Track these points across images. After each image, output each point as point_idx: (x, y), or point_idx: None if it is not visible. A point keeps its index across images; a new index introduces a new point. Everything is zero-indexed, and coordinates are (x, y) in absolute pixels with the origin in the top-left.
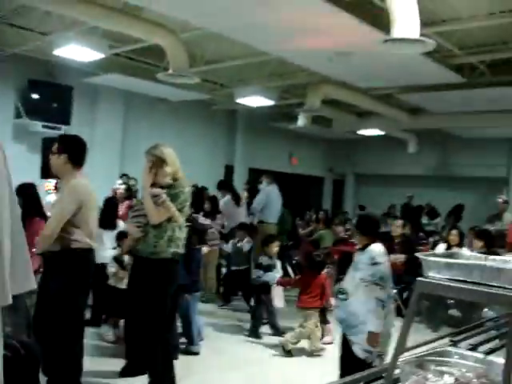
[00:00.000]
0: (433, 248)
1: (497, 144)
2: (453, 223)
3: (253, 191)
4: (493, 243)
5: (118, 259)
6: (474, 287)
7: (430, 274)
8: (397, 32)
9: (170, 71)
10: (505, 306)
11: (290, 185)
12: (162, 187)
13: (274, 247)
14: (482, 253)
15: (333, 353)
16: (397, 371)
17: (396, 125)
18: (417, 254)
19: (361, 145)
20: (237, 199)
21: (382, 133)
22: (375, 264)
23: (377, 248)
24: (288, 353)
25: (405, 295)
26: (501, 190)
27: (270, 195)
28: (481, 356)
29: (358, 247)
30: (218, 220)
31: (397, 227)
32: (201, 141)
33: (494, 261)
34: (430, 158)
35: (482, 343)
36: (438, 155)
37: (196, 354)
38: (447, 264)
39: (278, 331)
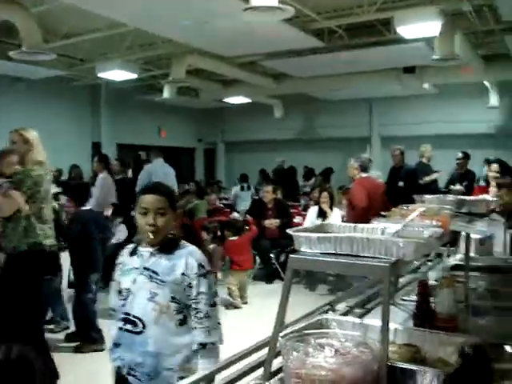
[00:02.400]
0: (304, 210)
1: (358, 104)
2: (321, 184)
3: (137, 168)
4: None
5: None
6: (345, 260)
7: (302, 249)
8: (255, 0)
9: (24, 48)
10: (376, 275)
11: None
12: (7, 177)
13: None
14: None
15: None
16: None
17: (261, 91)
18: (288, 231)
19: (229, 113)
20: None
21: (249, 100)
22: (208, 274)
23: (192, 246)
24: None
25: (282, 258)
26: (364, 148)
27: (152, 171)
28: (358, 321)
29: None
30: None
31: (267, 193)
32: (64, 119)
33: (362, 231)
34: (297, 121)
35: (357, 304)
36: (304, 119)
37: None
38: (318, 238)
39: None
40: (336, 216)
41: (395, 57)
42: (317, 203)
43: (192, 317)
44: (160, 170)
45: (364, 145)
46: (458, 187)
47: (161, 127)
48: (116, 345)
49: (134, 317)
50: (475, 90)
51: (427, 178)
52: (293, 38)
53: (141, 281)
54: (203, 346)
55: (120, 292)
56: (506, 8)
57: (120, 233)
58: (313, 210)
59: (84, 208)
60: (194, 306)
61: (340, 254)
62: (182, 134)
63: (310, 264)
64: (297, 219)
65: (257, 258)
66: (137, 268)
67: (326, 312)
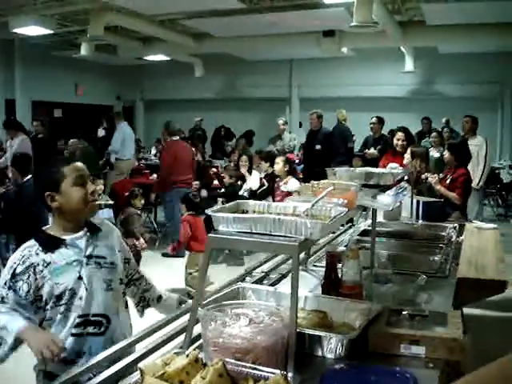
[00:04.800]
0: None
1: (278, 65)
2: (243, 148)
3: (112, 128)
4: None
5: None
6: (259, 239)
7: (220, 228)
8: None
9: None
10: (287, 253)
11: (78, 116)
12: None
13: (140, 200)
14: (268, 175)
15: None
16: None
17: (182, 50)
18: (206, 211)
19: (148, 70)
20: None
21: (168, 58)
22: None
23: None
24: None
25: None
26: (284, 109)
27: (125, 132)
28: (271, 289)
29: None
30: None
31: None
32: None
33: (275, 209)
34: (218, 81)
35: (272, 269)
36: (225, 78)
37: None
38: (234, 219)
39: None
40: (254, 179)
41: (315, 20)
42: (236, 166)
43: (136, 286)
44: (129, 130)
45: (283, 106)
46: (371, 151)
47: (78, 84)
48: (78, 354)
49: (96, 315)
50: (392, 54)
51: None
52: None
53: (90, 273)
54: (160, 297)
55: (59, 297)
56: None
57: None
58: None
59: None
60: (136, 276)
61: (255, 233)
62: (99, 92)
63: (226, 243)
64: (216, 181)
65: None
66: (77, 260)
67: (244, 279)
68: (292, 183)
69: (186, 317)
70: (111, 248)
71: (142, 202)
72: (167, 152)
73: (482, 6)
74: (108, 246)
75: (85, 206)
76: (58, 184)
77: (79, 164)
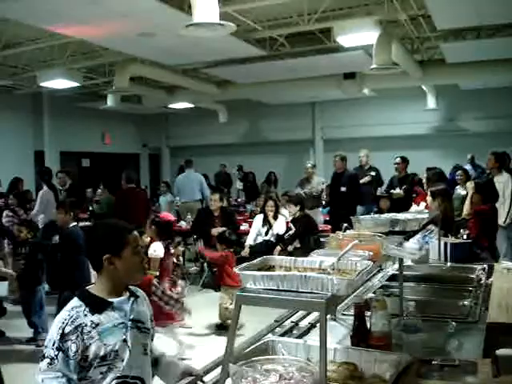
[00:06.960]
0: (250, 216)
1: (301, 108)
2: (267, 192)
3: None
4: (304, 206)
5: None
6: (287, 296)
7: (248, 285)
8: (197, 17)
9: None
10: (314, 309)
11: (106, 165)
12: None
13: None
14: (296, 218)
15: None
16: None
17: (205, 97)
18: (235, 269)
19: (173, 118)
20: (54, 189)
21: (192, 105)
22: None
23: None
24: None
25: None
26: (308, 151)
27: (182, 178)
28: (301, 342)
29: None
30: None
31: (214, 201)
32: (4, 128)
33: (302, 263)
34: (242, 125)
35: (302, 318)
36: (249, 123)
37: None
38: (262, 277)
39: None
40: (280, 224)
41: (335, 64)
42: (262, 211)
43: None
44: (191, 176)
45: (307, 148)
46: (397, 191)
47: (104, 133)
48: None
49: (134, 378)
50: (413, 93)
51: (361, 181)
52: (235, 48)
53: (133, 335)
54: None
55: (103, 357)
56: (439, 17)
57: None
58: (258, 219)
59: None
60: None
61: (282, 290)
62: (126, 140)
63: (255, 300)
64: (243, 226)
65: (205, 265)
66: (123, 323)
67: (273, 329)
68: (155, 248)
69: (217, 370)
70: (146, 314)
71: (181, 248)
72: (121, 198)
73: (499, 42)
74: (144, 312)
75: (140, 274)
76: (120, 249)
77: (137, 234)
